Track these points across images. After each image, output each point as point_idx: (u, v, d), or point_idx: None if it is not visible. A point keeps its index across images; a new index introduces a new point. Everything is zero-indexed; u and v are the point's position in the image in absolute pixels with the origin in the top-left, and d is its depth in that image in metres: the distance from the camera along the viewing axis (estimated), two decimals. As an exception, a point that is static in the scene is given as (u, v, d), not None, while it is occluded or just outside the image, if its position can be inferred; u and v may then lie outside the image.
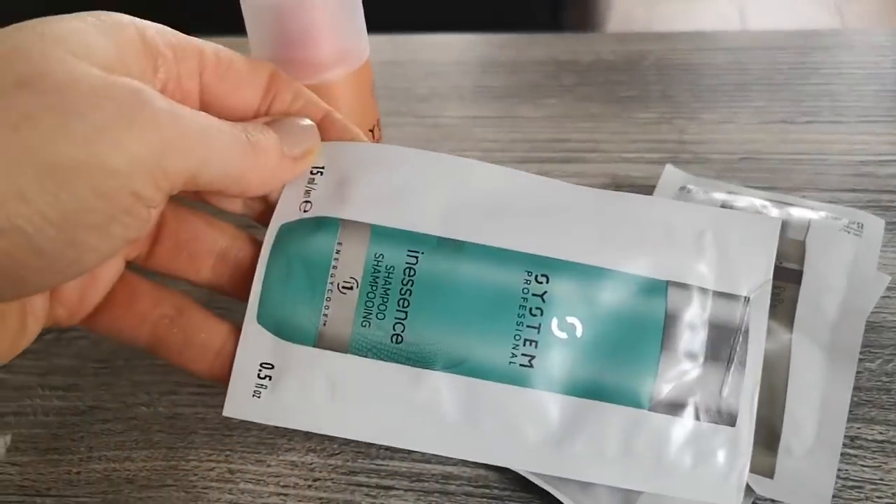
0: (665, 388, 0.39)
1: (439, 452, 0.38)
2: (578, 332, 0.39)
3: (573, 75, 0.73)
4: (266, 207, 0.41)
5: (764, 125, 0.64)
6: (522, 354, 0.38)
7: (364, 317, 0.38)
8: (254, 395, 0.39)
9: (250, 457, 0.44)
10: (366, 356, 0.38)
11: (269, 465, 0.44)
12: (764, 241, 0.41)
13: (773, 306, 0.47)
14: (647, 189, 0.58)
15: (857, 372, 0.45)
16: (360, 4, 0.47)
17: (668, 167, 0.58)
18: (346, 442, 0.44)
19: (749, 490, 0.39)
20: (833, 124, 0.64)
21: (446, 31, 0.84)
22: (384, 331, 0.38)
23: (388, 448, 0.43)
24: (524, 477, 0.41)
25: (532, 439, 0.38)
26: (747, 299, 0.40)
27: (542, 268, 0.39)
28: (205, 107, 0.37)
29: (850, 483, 0.41)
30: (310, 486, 0.43)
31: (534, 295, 0.39)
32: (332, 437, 0.43)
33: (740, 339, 0.39)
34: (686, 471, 0.38)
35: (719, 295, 0.40)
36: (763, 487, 0.40)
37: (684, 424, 0.38)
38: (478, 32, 0.83)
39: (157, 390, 0.48)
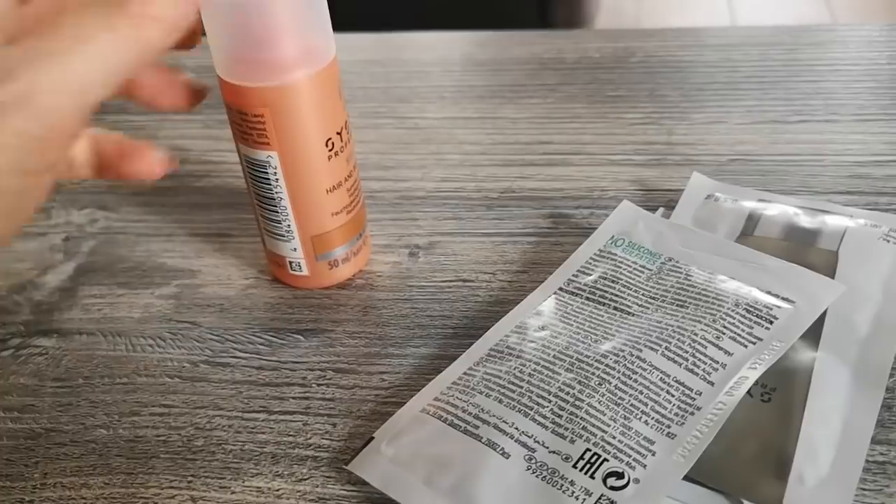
0: None
1: None
2: None
3: (557, 74, 0.70)
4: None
5: (755, 125, 0.62)
6: None
7: None
8: None
9: (214, 483, 0.41)
10: None
11: (233, 492, 0.41)
12: None
13: (797, 320, 0.45)
14: (667, 193, 0.55)
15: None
16: (322, 6, 0.45)
17: (696, 175, 0.56)
18: (316, 466, 0.42)
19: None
20: (827, 123, 0.61)
21: (432, 30, 0.82)
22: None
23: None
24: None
25: None
26: None
27: None
28: None
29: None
30: (277, 515, 0.40)
31: None
32: (302, 460, 0.41)
33: None
34: None
35: None
36: (766, 518, 0.38)
37: None
38: (466, 29, 0.81)
39: (118, 411, 0.45)
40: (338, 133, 0.47)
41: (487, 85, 0.70)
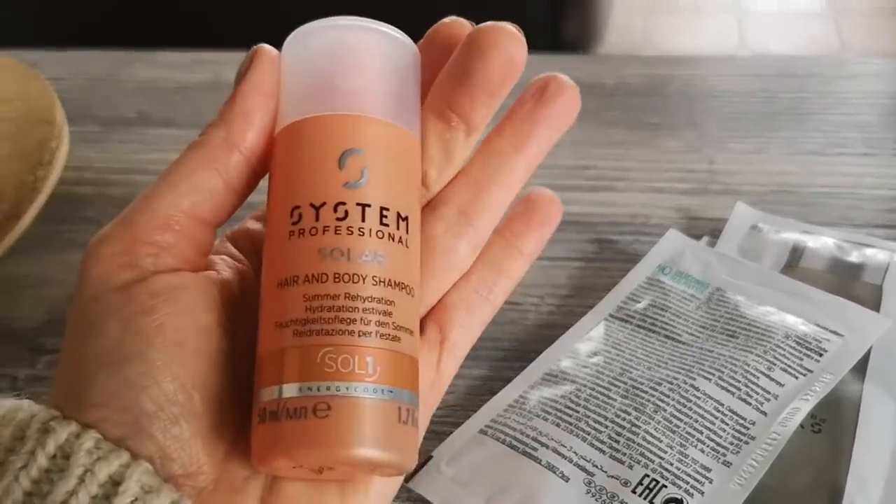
0: None
1: None
2: None
3: (597, 99, 0.71)
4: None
5: (794, 156, 0.63)
6: None
7: None
8: None
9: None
10: None
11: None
12: None
13: (844, 354, 0.46)
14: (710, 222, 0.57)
15: None
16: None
17: (739, 204, 0.57)
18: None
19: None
20: (864, 157, 0.62)
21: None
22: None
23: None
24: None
25: None
26: None
27: None
28: None
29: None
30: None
31: None
32: None
33: None
34: None
35: None
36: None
37: None
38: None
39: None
40: None
41: (527, 108, 0.71)
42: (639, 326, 0.48)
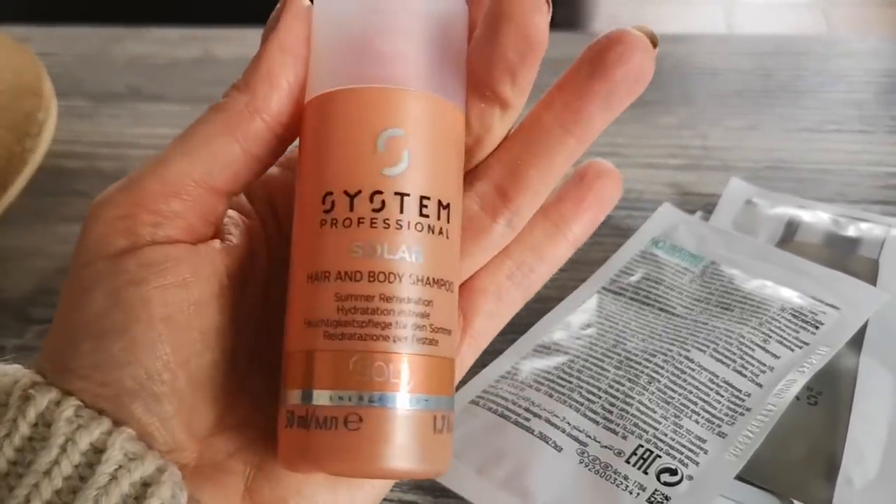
0: None
1: None
2: None
3: (590, 76, 0.71)
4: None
5: (790, 133, 0.63)
6: None
7: None
8: None
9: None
10: None
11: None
12: None
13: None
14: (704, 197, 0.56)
15: None
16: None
17: (734, 180, 0.57)
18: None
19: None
20: (861, 133, 0.62)
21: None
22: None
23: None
24: None
25: None
26: None
27: None
28: None
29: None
30: None
31: None
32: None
33: None
34: None
35: None
36: (818, 520, 0.38)
37: None
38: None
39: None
40: None
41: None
42: (632, 299, 0.48)
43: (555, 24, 0.34)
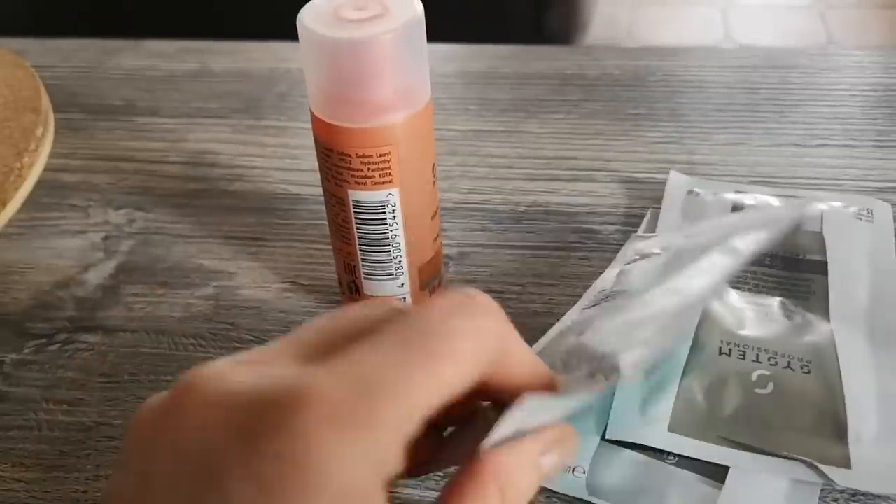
0: None
1: None
2: None
3: (579, 90, 0.72)
4: None
5: (776, 147, 0.64)
6: None
7: None
8: None
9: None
10: None
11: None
12: None
13: (805, 298, 0.49)
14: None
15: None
16: (425, 43, 0.44)
17: (673, 173, 0.60)
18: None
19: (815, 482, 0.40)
20: (846, 148, 0.63)
21: (436, 36, 0.83)
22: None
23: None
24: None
25: None
26: None
27: None
28: None
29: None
30: None
31: None
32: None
33: None
34: None
35: None
36: (844, 479, 0.40)
37: None
38: (463, 34, 0.82)
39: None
40: (431, 170, 0.47)
41: (511, 99, 0.72)
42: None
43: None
